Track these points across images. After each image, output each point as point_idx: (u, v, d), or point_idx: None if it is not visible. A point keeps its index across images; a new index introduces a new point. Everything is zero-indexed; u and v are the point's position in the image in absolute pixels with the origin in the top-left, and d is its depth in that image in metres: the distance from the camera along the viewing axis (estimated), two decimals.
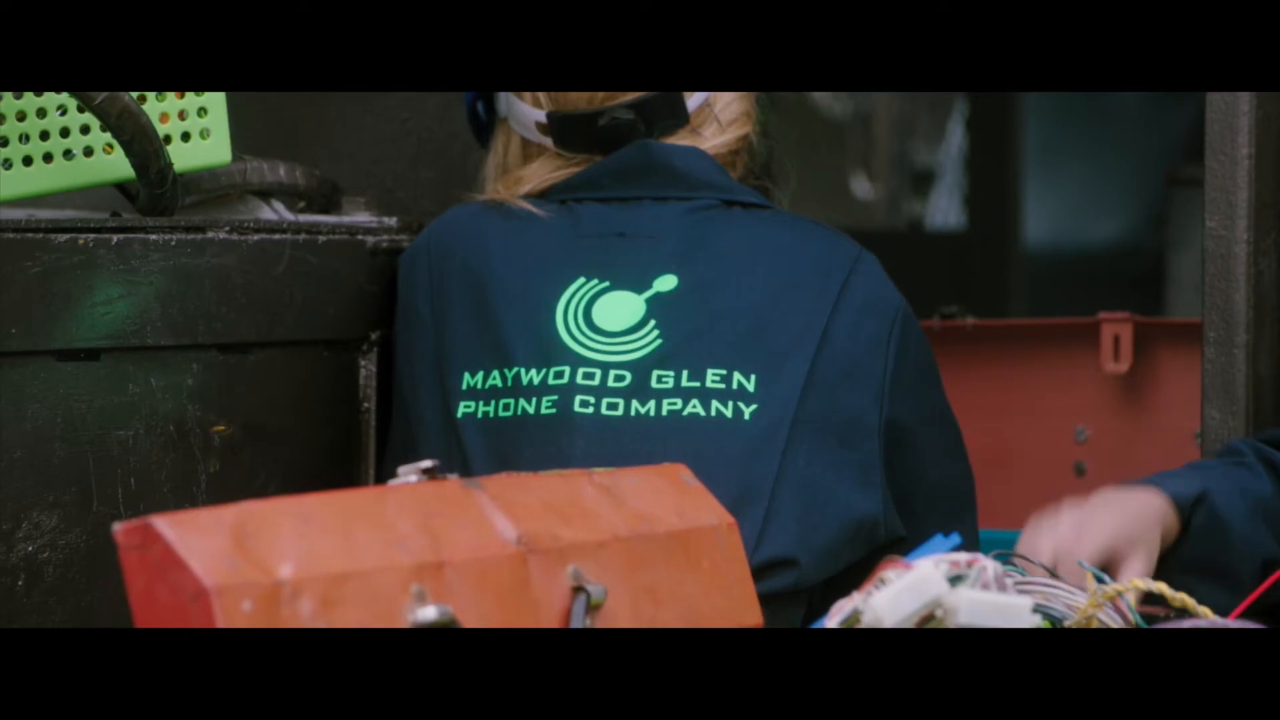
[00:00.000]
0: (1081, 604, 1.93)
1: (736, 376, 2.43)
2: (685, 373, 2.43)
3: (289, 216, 2.73)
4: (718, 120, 2.60)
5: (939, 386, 2.57)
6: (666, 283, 2.48)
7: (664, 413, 2.41)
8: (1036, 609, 1.87)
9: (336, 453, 2.63)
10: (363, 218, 2.74)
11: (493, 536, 1.83)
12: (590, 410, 2.42)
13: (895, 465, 2.48)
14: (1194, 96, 2.81)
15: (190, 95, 2.51)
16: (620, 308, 2.48)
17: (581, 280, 2.50)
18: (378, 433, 2.66)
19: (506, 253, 2.54)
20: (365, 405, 2.65)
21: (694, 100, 2.59)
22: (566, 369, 2.44)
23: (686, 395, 2.42)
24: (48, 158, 2.44)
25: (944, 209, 6.17)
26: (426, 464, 1.87)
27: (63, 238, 2.33)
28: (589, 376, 2.44)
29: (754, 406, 2.41)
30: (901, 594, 1.79)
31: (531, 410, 2.44)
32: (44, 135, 2.43)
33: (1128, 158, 6.25)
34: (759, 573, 2.32)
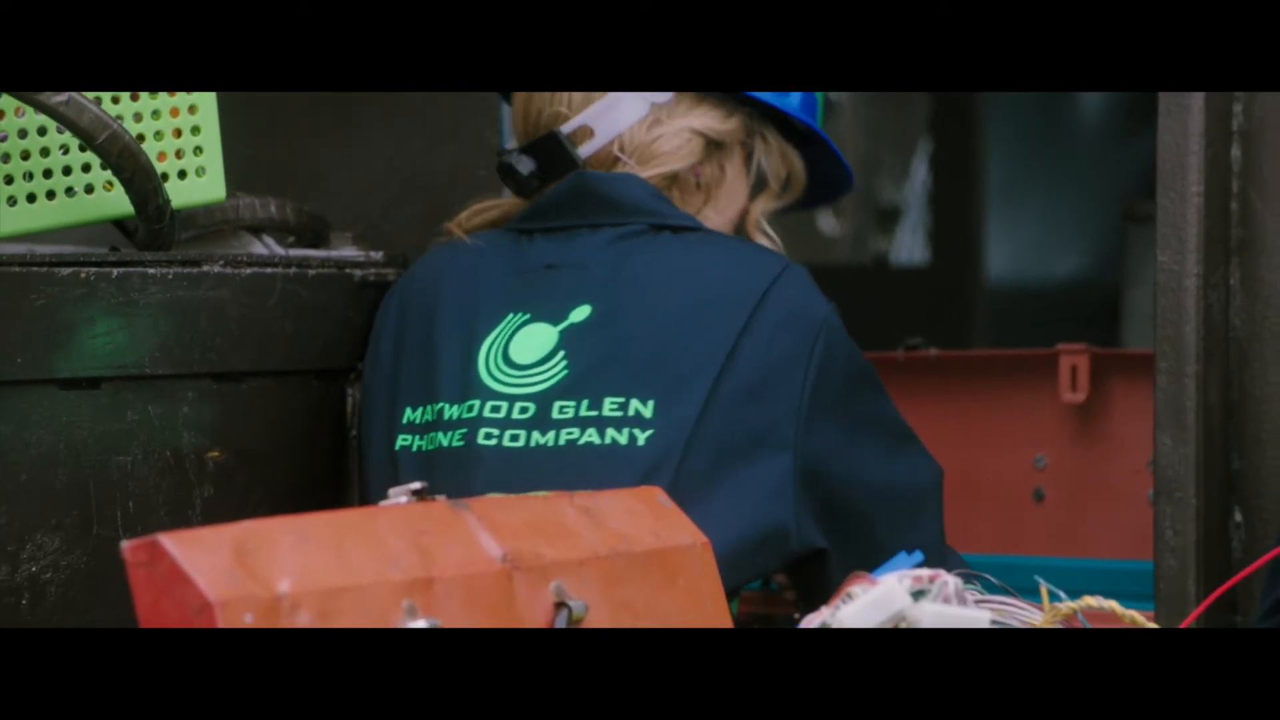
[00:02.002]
0: (1037, 620, 1.98)
1: (634, 404, 2.41)
2: (585, 402, 2.42)
3: (280, 251, 2.76)
4: (657, 151, 2.59)
5: (874, 392, 2.53)
6: (581, 313, 2.48)
7: (562, 442, 2.41)
8: (994, 623, 1.92)
9: (324, 477, 2.66)
10: (350, 252, 2.77)
11: (479, 554, 1.87)
12: (494, 442, 2.43)
13: (831, 475, 2.44)
14: (1150, 135, 2.84)
15: (187, 134, 2.54)
16: (534, 340, 2.48)
17: (510, 315, 2.51)
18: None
19: (455, 289, 2.55)
20: (353, 432, 2.68)
21: (624, 128, 2.58)
22: (477, 403, 2.45)
23: (584, 424, 2.41)
24: (50, 195, 2.47)
25: (909, 245, 6.16)
26: (415, 485, 1.92)
27: (65, 271, 2.37)
28: (496, 410, 2.45)
29: (650, 432, 2.39)
30: (867, 608, 1.84)
31: (446, 443, 2.46)
32: (47, 173, 2.47)
33: (1086, 195, 6.24)
34: None
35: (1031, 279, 6.40)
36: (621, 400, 2.41)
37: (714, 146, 2.62)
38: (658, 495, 2.09)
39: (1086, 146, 6.38)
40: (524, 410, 2.43)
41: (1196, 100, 2.74)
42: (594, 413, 2.42)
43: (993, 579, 2.13)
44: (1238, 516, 2.79)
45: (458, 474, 2.43)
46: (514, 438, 2.42)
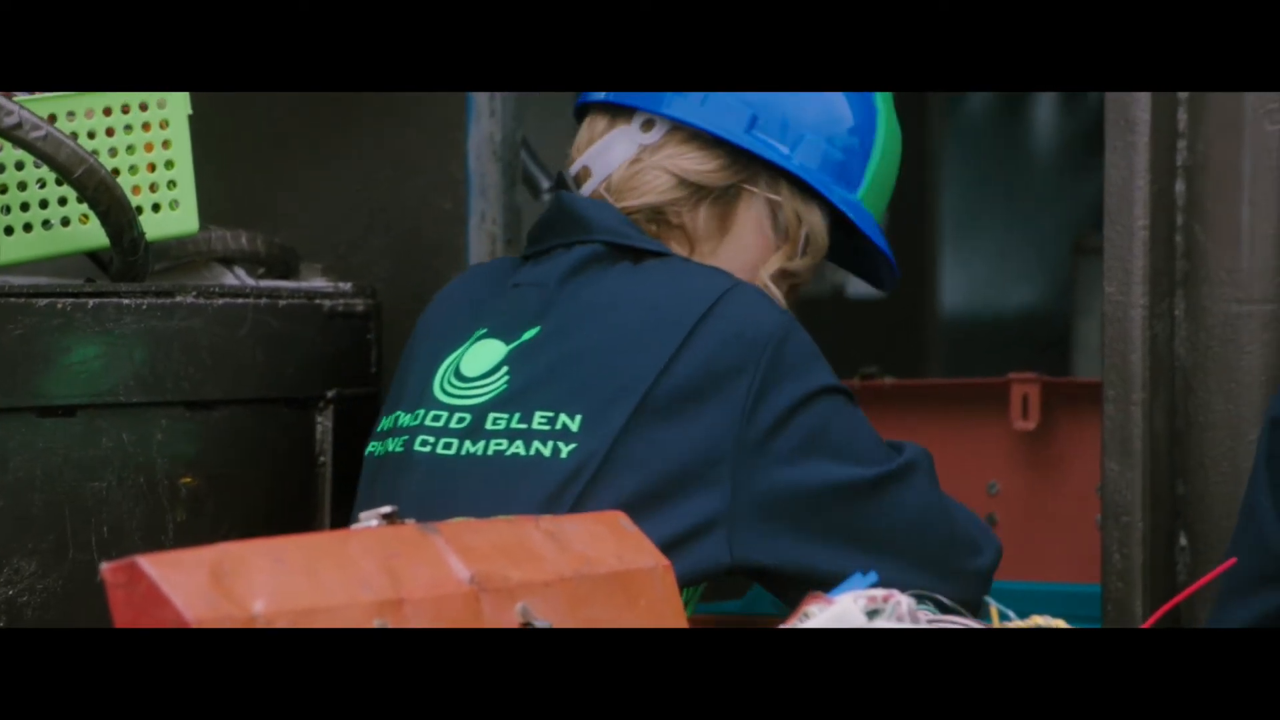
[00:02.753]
0: None
1: (562, 418, 2.41)
2: (517, 415, 2.42)
3: (250, 282, 2.79)
4: (631, 186, 2.57)
5: (829, 408, 2.45)
6: (531, 331, 2.49)
7: (490, 452, 2.41)
8: None
9: (294, 503, 2.69)
10: (319, 283, 2.80)
11: (448, 576, 1.90)
12: (428, 449, 2.44)
13: (779, 486, 2.40)
14: (1100, 171, 2.87)
15: (161, 169, 2.58)
16: (484, 355, 2.49)
17: (475, 332, 2.52)
18: (333, 485, 2.72)
19: (448, 307, 2.57)
20: (321, 459, 2.71)
21: (614, 168, 2.57)
22: (423, 412, 2.47)
23: (513, 436, 2.42)
24: (28, 227, 2.50)
25: None
26: (386, 509, 1.95)
27: (43, 302, 2.40)
28: (436, 419, 2.46)
29: (573, 446, 2.38)
30: (823, 627, 1.88)
31: (391, 449, 2.48)
32: (24, 206, 2.50)
33: (1038, 229, 6.28)
34: None
35: (984, 310, 6.43)
36: (551, 415, 2.42)
37: (696, 189, 2.58)
38: (620, 519, 2.12)
39: (1038, 182, 6.43)
40: (461, 420, 2.45)
41: (1142, 136, 2.77)
42: (524, 425, 2.42)
43: (945, 599, 2.16)
44: (1183, 540, 2.82)
45: (395, 479, 2.45)
46: (446, 446, 2.44)
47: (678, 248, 2.57)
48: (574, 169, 2.62)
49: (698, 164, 2.57)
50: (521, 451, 2.41)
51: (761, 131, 2.56)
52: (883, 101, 2.66)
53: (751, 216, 2.58)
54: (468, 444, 2.42)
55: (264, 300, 2.65)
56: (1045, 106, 6.57)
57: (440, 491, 2.39)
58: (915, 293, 6.11)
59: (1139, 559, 2.79)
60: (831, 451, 2.43)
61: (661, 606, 2.07)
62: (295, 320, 2.69)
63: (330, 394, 2.71)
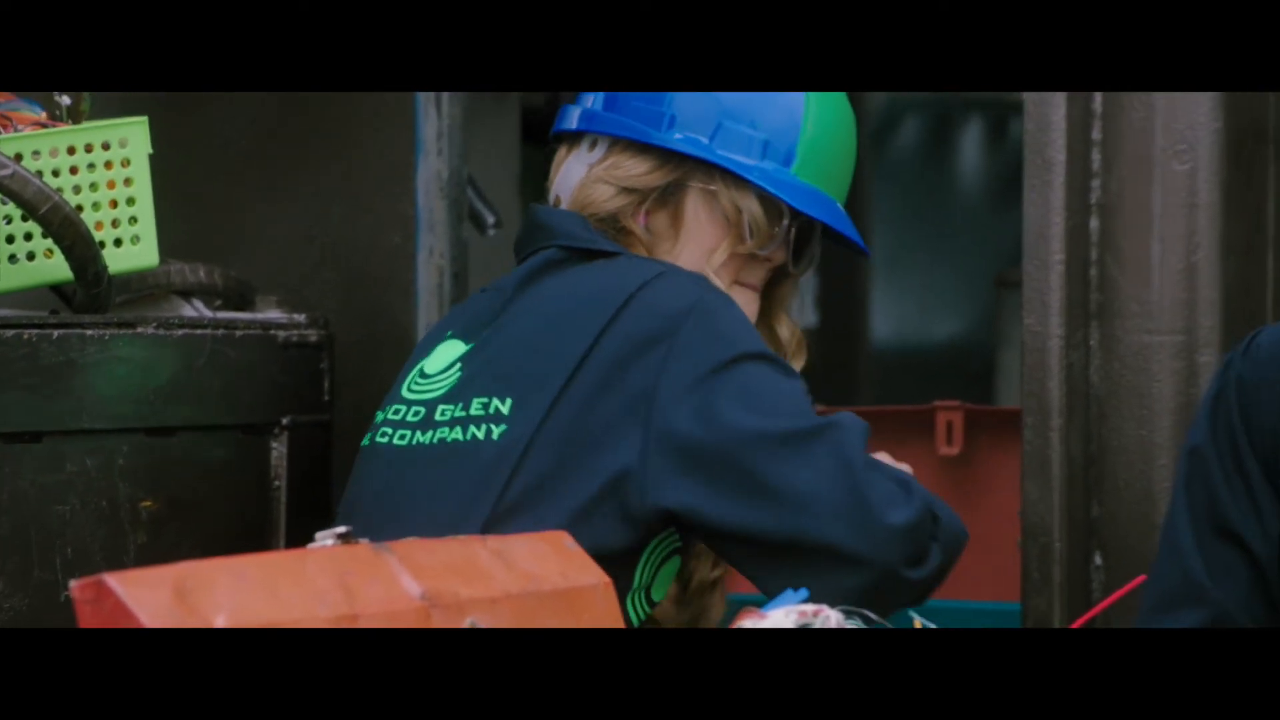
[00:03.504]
0: None
1: (494, 403, 2.45)
2: (460, 405, 2.47)
3: (208, 314, 2.81)
4: (583, 200, 2.60)
5: (748, 370, 2.42)
6: (487, 330, 2.53)
7: (435, 440, 2.47)
8: None
9: (251, 526, 2.69)
10: (274, 315, 2.81)
11: (400, 593, 1.93)
12: (386, 440, 2.51)
13: (692, 435, 2.38)
14: (1019, 209, 2.91)
15: (123, 205, 2.59)
16: (445, 354, 2.54)
17: (448, 334, 2.57)
18: (288, 508, 2.73)
19: (444, 316, 2.63)
20: (276, 484, 2.72)
21: (572, 189, 2.61)
22: (390, 407, 2.53)
23: (454, 424, 2.47)
24: None
25: (799, 310, 6.22)
26: (341, 529, 1.99)
27: (9, 333, 2.41)
28: (397, 413, 2.52)
29: (503, 428, 2.42)
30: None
31: (368, 442, 2.55)
32: None
33: (962, 265, 6.30)
34: None
35: (912, 341, 6.45)
36: (486, 400, 2.46)
37: (637, 194, 2.59)
38: (564, 539, 2.15)
39: (962, 220, 6.46)
40: (416, 414, 2.51)
41: (1058, 176, 2.82)
42: (464, 413, 2.47)
43: (872, 615, 2.20)
44: (1098, 559, 2.86)
45: (364, 468, 2.53)
46: (401, 437, 2.50)
47: (642, 251, 2.58)
48: (550, 199, 2.67)
49: (631, 170, 2.60)
50: (460, 437, 2.45)
51: (681, 129, 2.58)
52: None
53: (699, 211, 2.60)
54: (419, 434, 2.48)
55: (221, 331, 2.66)
56: (969, 148, 6.62)
57: (395, 478, 2.45)
58: (847, 325, 6.13)
59: (1057, 577, 2.83)
60: (746, 405, 2.39)
61: (604, 621, 2.10)
62: (251, 350, 2.70)
63: (285, 421, 2.73)
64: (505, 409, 2.44)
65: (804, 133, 2.60)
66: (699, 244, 2.59)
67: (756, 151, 2.58)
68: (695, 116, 2.59)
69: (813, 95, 2.61)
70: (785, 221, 2.60)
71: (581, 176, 2.63)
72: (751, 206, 2.57)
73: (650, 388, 2.39)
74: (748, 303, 2.61)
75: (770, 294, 2.67)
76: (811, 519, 2.37)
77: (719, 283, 2.57)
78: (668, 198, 2.60)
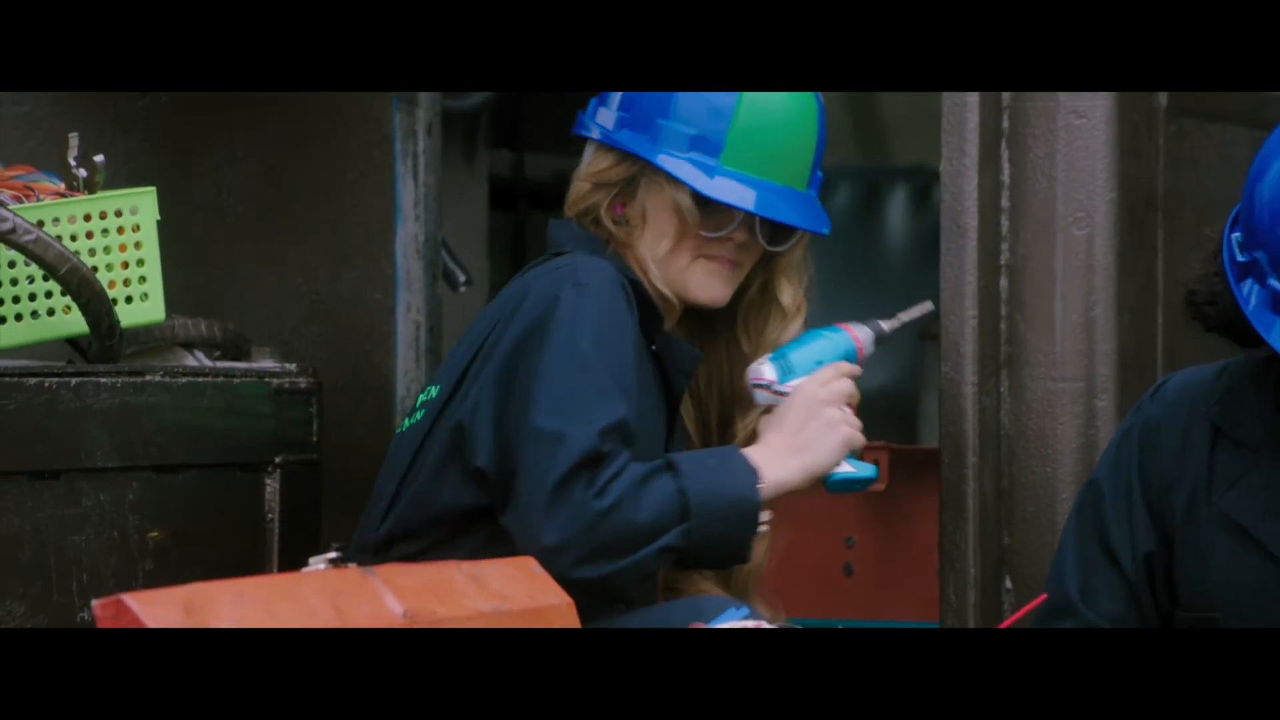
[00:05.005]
0: None
1: (431, 390, 2.56)
2: (422, 393, 2.59)
3: (209, 363, 2.83)
4: (569, 200, 2.65)
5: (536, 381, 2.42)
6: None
7: (406, 426, 2.58)
8: None
9: (247, 554, 2.72)
10: (268, 364, 2.84)
11: (385, 610, 1.98)
12: (399, 426, 2.63)
13: (491, 373, 2.47)
14: (938, 268, 2.93)
15: (133, 266, 2.62)
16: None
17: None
18: (280, 538, 2.75)
19: None
20: (270, 516, 2.75)
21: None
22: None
23: (413, 411, 2.59)
24: (19, 317, 2.56)
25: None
26: (332, 554, 2.05)
27: (32, 381, 2.45)
28: (411, 405, 2.64)
29: (422, 412, 2.54)
30: None
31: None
32: (16, 299, 2.55)
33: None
34: (389, 543, 2.45)
35: None
36: (428, 389, 2.57)
37: (604, 187, 2.61)
38: (532, 565, 2.21)
39: (889, 278, 6.49)
40: (411, 407, 2.62)
41: (971, 240, 2.84)
42: (418, 401, 2.59)
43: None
44: (1008, 583, 2.88)
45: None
46: (399, 426, 2.63)
47: (621, 246, 2.61)
48: None
49: (597, 165, 2.64)
50: (408, 423, 2.57)
51: (630, 127, 2.61)
52: None
53: (654, 201, 2.61)
54: (407, 420, 2.59)
55: (221, 379, 2.69)
56: (894, 214, 6.66)
57: (386, 459, 2.58)
58: None
59: (971, 600, 2.85)
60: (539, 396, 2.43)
61: None
62: (247, 396, 2.72)
63: (278, 460, 2.75)
64: (434, 394, 2.54)
65: (734, 124, 2.60)
66: (657, 231, 2.61)
67: (685, 145, 2.59)
68: (641, 116, 2.62)
69: (745, 92, 2.61)
70: (735, 212, 2.59)
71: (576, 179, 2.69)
72: (682, 197, 2.58)
73: (489, 369, 2.47)
74: (712, 274, 2.61)
75: (769, 265, 2.67)
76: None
77: (677, 263, 2.58)
78: (633, 190, 2.62)
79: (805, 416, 2.52)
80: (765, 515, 2.45)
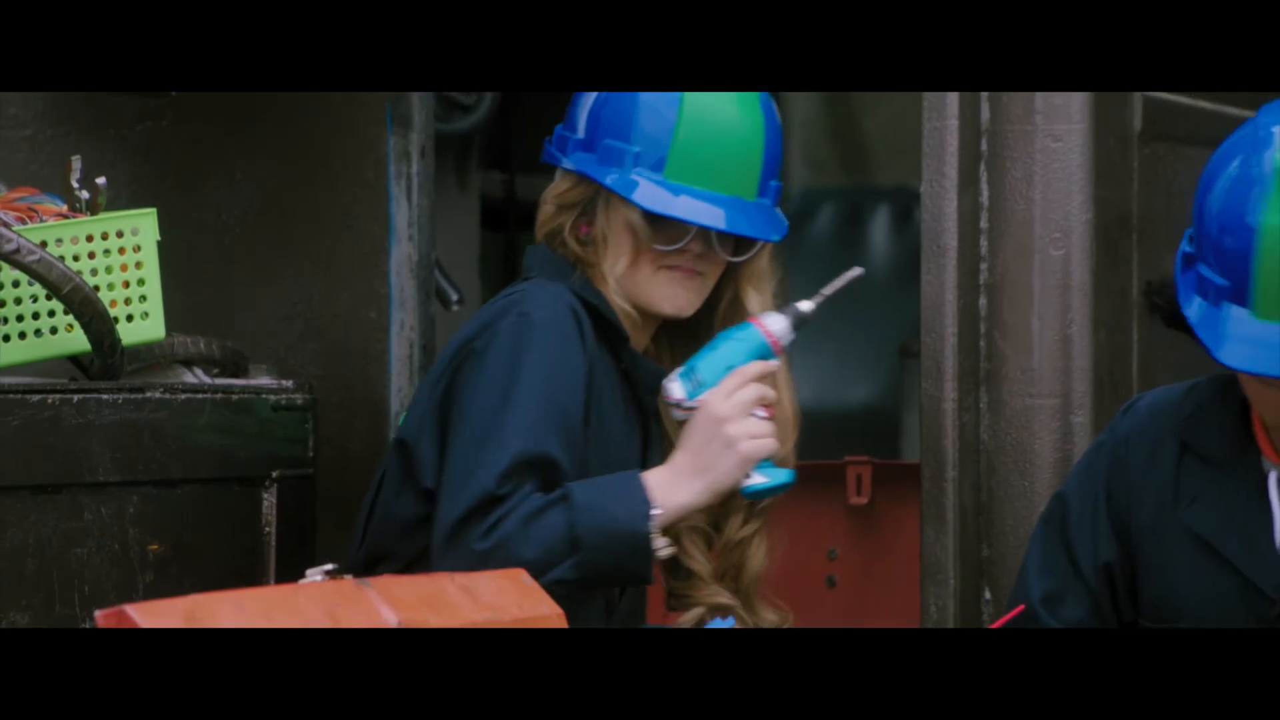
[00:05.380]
0: None
1: (403, 415, 2.66)
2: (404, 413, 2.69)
3: (207, 380, 2.83)
4: (539, 224, 2.71)
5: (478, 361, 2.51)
6: None
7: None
8: None
9: (244, 566, 2.72)
10: (265, 381, 2.85)
11: (379, 620, 2.00)
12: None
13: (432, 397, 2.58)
14: (919, 287, 2.95)
15: (134, 285, 2.63)
16: None
17: None
18: (277, 551, 2.75)
19: None
20: (267, 529, 2.75)
21: None
22: None
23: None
24: (23, 335, 2.57)
25: None
26: (329, 567, 2.06)
27: (36, 397, 2.46)
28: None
29: (401, 420, 2.65)
30: None
31: None
32: (20, 318, 2.56)
33: (871, 336, 6.34)
34: (370, 564, 2.52)
35: (828, 403, 6.46)
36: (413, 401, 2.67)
37: (566, 209, 2.66)
38: (522, 576, 2.22)
39: (871, 296, 6.50)
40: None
41: (951, 260, 2.86)
42: (402, 418, 2.67)
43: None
44: (987, 594, 2.90)
45: None
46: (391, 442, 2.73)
47: (588, 267, 2.64)
48: None
49: (559, 188, 2.68)
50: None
51: (581, 149, 2.65)
52: (690, 98, 2.64)
53: (609, 219, 2.65)
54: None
55: (219, 395, 2.70)
56: (877, 233, 6.68)
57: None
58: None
59: (951, 610, 2.87)
60: (466, 384, 2.53)
61: None
62: (245, 412, 2.73)
63: (274, 474, 2.76)
64: (404, 415, 2.64)
65: (676, 138, 2.63)
66: (617, 248, 2.64)
67: (632, 163, 2.62)
68: (592, 137, 2.65)
69: (689, 98, 2.63)
70: (690, 227, 2.61)
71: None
72: (632, 214, 2.61)
73: (433, 400, 2.57)
74: (674, 283, 2.64)
75: (736, 275, 2.69)
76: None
77: (639, 277, 2.61)
78: (594, 210, 2.65)
79: (705, 437, 2.51)
80: (662, 543, 2.45)
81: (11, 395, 2.44)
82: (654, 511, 2.44)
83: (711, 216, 2.62)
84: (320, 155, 3.15)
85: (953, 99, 2.84)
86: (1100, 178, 2.87)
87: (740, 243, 2.67)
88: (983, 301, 2.90)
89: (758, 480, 2.50)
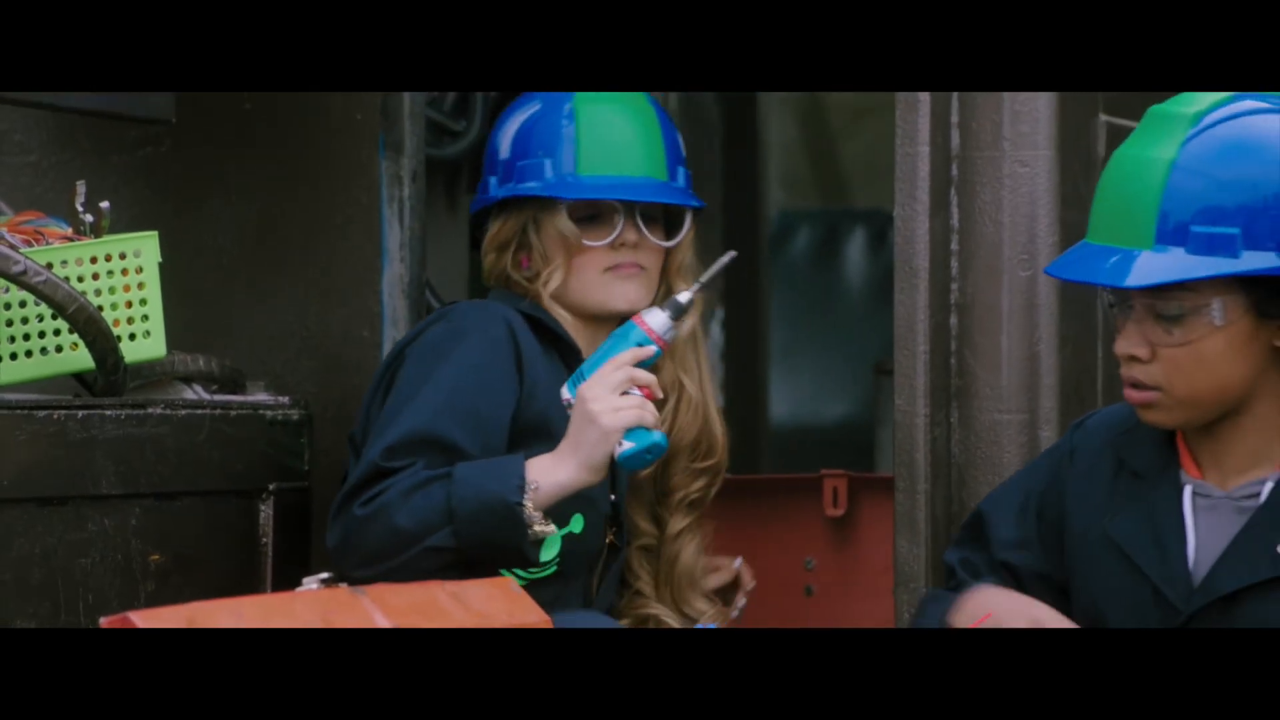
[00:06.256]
0: None
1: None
2: None
3: (207, 397, 2.85)
4: (486, 269, 2.81)
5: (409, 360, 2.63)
6: None
7: None
8: None
9: (242, 575, 2.73)
10: (262, 397, 2.87)
11: (373, 626, 2.02)
12: None
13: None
14: (892, 307, 2.97)
15: (136, 305, 2.64)
16: None
17: None
18: (274, 561, 2.77)
19: None
20: (264, 540, 2.77)
21: None
22: None
23: None
24: (29, 354, 2.58)
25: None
26: (324, 575, 2.08)
27: (42, 413, 2.48)
28: None
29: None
30: None
31: None
32: (26, 337, 2.57)
33: (847, 354, 6.34)
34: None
35: (806, 419, 6.47)
36: None
37: (504, 246, 2.76)
38: (510, 584, 2.24)
39: (847, 316, 6.51)
40: None
41: (923, 280, 2.87)
42: None
43: None
44: None
45: None
46: None
47: (537, 297, 2.73)
48: None
49: (491, 232, 2.80)
50: None
51: (502, 182, 2.76)
52: (579, 97, 2.76)
53: (544, 238, 2.74)
54: None
55: (218, 411, 2.72)
56: (853, 254, 6.69)
57: None
58: (749, 405, 6.16)
59: None
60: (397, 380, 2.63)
61: None
62: (243, 427, 2.75)
63: (271, 487, 2.78)
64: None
65: (580, 134, 2.75)
66: (557, 263, 2.74)
67: (543, 171, 2.74)
68: (507, 169, 2.77)
69: (578, 97, 2.75)
70: (617, 216, 2.72)
71: None
72: (561, 222, 2.72)
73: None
74: (622, 280, 2.74)
75: (667, 270, 2.79)
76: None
77: (586, 282, 2.70)
78: (527, 239, 2.75)
79: (577, 419, 2.57)
80: (537, 520, 2.49)
81: (19, 411, 2.46)
82: (529, 487, 2.50)
83: (631, 191, 2.73)
84: (315, 179, 3.16)
85: (924, 126, 2.86)
86: (1065, 201, 2.89)
87: (670, 230, 2.78)
88: (953, 321, 2.92)
89: (626, 446, 2.54)
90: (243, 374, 2.95)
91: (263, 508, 2.77)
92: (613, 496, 2.77)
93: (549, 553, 2.63)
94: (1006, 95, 2.87)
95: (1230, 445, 2.37)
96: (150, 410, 2.62)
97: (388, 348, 3.21)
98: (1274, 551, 2.31)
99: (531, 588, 2.52)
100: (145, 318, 2.66)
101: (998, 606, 2.39)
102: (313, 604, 2.01)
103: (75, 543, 2.50)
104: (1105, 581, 2.43)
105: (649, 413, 2.53)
